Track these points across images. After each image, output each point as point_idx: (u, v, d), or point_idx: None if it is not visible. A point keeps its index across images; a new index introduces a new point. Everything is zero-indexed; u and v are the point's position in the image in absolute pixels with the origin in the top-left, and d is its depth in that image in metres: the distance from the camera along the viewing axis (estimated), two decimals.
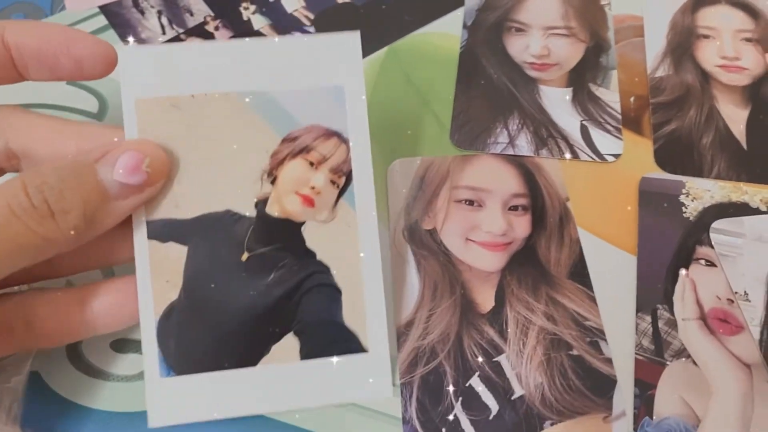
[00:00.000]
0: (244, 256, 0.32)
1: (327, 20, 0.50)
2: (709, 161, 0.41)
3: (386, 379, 0.32)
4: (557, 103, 0.43)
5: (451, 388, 0.34)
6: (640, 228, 0.38)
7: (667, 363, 0.34)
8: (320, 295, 0.32)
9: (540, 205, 0.39)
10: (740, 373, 0.33)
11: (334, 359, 0.32)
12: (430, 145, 0.42)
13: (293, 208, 0.32)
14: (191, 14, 0.52)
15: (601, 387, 0.34)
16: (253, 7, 0.51)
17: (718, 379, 0.33)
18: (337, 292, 0.32)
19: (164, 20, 0.52)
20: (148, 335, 0.31)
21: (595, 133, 0.42)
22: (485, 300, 0.37)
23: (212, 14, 0.51)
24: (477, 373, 0.34)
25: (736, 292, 0.35)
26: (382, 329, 0.32)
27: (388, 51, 0.47)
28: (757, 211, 0.38)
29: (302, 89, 0.33)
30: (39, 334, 0.31)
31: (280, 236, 0.32)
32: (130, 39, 0.50)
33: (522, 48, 0.46)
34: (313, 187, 0.32)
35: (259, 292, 0.31)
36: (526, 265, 0.37)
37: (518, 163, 0.41)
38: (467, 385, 0.34)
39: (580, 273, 0.37)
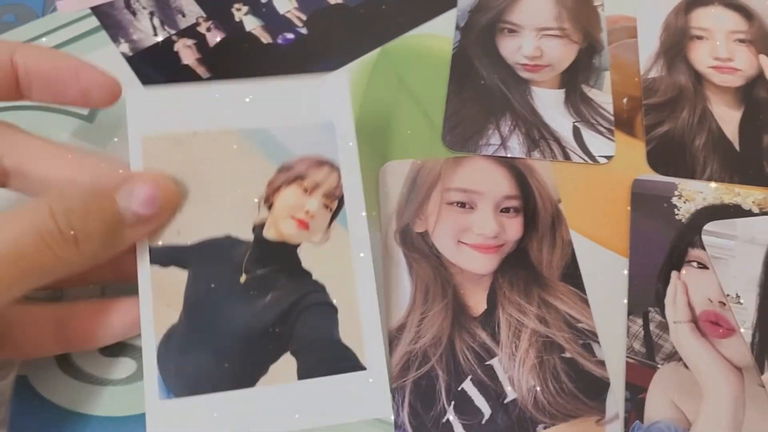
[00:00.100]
0: (243, 278, 0.33)
1: (319, 21, 0.50)
2: (702, 163, 0.41)
3: (386, 396, 0.32)
4: (549, 104, 0.43)
5: (443, 393, 0.34)
6: (632, 230, 0.38)
7: (659, 366, 0.34)
8: (317, 314, 0.33)
9: (532, 207, 0.39)
10: (732, 376, 0.33)
11: (333, 378, 0.32)
12: (422, 146, 0.42)
13: (289, 231, 0.34)
14: (183, 15, 0.52)
15: (594, 390, 0.34)
16: (245, 8, 0.51)
17: (709, 382, 0.33)
18: (333, 310, 0.33)
19: (156, 21, 0.51)
20: (149, 358, 0.31)
21: (588, 135, 0.42)
22: (477, 303, 0.36)
23: (204, 15, 0.51)
24: (469, 377, 0.34)
25: (728, 295, 0.35)
26: (380, 346, 0.32)
27: (381, 52, 0.47)
28: (749, 213, 0.38)
29: (296, 126, 0.35)
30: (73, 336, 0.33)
31: (277, 258, 0.33)
32: (122, 40, 0.50)
33: (514, 49, 0.46)
34: (307, 211, 0.34)
35: (257, 312, 0.32)
36: (517, 268, 0.37)
37: (510, 164, 0.41)
38: (459, 389, 0.34)
39: (572, 275, 0.37)
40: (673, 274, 0.36)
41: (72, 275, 0.29)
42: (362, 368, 0.32)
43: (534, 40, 0.46)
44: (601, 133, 0.42)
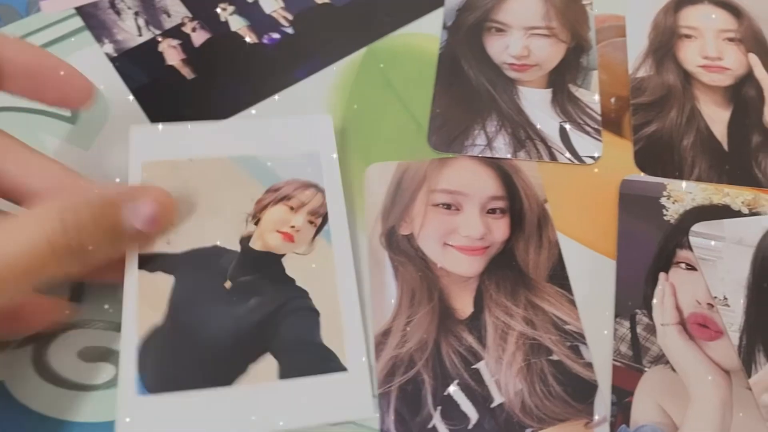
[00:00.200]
0: (228, 284, 0.35)
1: (306, 21, 0.49)
2: (690, 163, 0.40)
3: (367, 397, 0.33)
4: (536, 104, 0.43)
5: (429, 398, 0.33)
6: (619, 231, 0.38)
7: (645, 369, 0.33)
8: (299, 318, 0.34)
9: (518, 207, 0.39)
10: (719, 379, 0.33)
11: (313, 378, 0.33)
12: (408, 147, 0.42)
13: (275, 243, 0.36)
14: (168, 15, 0.51)
15: (582, 392, 0.33)
16: (231, 8, 0.51)
17: (696, 385, 0.33)
18: (316, 314, 0.34)
19: (141, 21, 0.51)
20: (128, 354, 0.32)
21: (574, 135, 0.41)
22: (464, 306, 0.36)
23: (190, 15, 0.51)
24: (456, 381, 0.34)
25: (715, 297, 0.35)
26: (361, 348, 0.34)
27: (367, 52, 0.47)
28: (738, 214, 0.38)
29: (284, 155, 0.39)
30: None
31: (262, 266, 0.36)
32: (106, 41, 0.49)
33: (502, 48, 0.46)
34: (292, 226, 0.37)
35: (240, 316, 0.34)
36: (504, 269, 0.37)
37: (496, 165, 0.40)
38: (446, 393, 0.34)
39: (559, 276, 0.37)
40: (661, 275, 0.36)
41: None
42: (343, 369, 0.33)
43: (522, 39, 0.46)
44: (588, 133, 0.42)
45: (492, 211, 0.39)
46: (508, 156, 0.41)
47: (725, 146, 0.41)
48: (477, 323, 0.35)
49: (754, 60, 0.44)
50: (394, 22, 0.49)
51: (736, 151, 0.41)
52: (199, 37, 0.49)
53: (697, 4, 0.48)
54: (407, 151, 0.42)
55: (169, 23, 0.50)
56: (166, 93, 0.46)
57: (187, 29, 0.50)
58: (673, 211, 0.38)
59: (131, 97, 0.46)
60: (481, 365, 0.34)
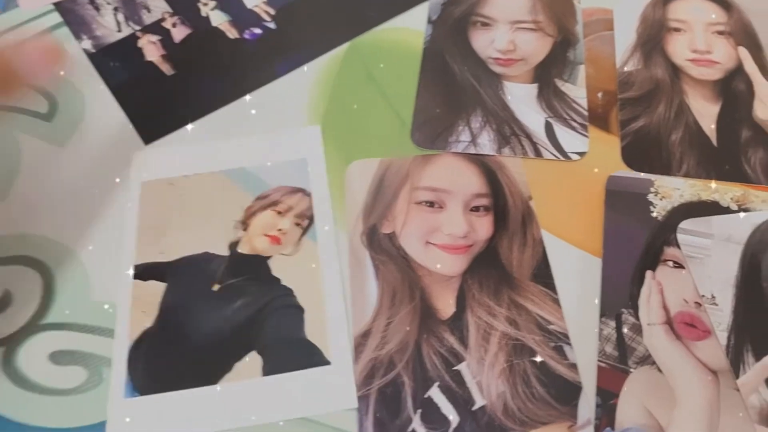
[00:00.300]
0: (216, 287, 0.36)
1: (288, 16, 0.48)
2: (678, 159, 0.39)
3: (350, 389, 0.33)
4: (522, 99, 0.42)
5: (409, 401, 0.33)
6: (605, 229, 0.37)
7: (631, 370, 0.33)
8: (284, 315, 0.35)
9: (502, 205, 0.38)
10: (706, 380, 0.32)
11: (297, 373, 0.33)
12: (390, 144, 0.41)
13: (262, 246, 0.38)
14: (148, 11, 0.50)
15: (566, 394, 0.33)
16: (212, 3, 0.50)
17: (683, 386, 0.32)
18: (300, 311, 0.35)
19: (120, 17, 0.50)
20: (119, 358, 0.34)
21: (560, 131, 0.41)
22: (446, 306, 0.35)
23: (170, 11, 0.50)
24: (437, 383, 0.33)
25: (703, 296, 0.34)
26: (345, 341, 0.34)
27: (350, 47, 0.46)
28: (727, 210, 0.37)
29: (273, 163, 0.41)
30: None
31: (249, 269, 0.37)
32: (84, 37, 0.48)
33: (487, 43, 0.45)
34: (280, 229, 0.38)
35: (227, 316, 0.35)
36: (487, 268, 0.36)
37: (480, 162, 0.39)
38: (426, 396, 0.33)
39: (543, 274, 0.36)
40: (648, 273, 0.35)
41: None
42: (327, 363, 0.34)
43: (507, 33, 0.45)
44: (574, 128, 0.41)
45: (476, 208, 0.38)
46: (493, 152, 0.40)
47: (714, 141, 0.40)
48: (459, 323, 0.35)
49: (744, 53, 0.43)
50: (377, 16, 0.48)
51: (725, 147, 0.40)
52: (179, 33, 0.48)
53: None
54: (390, 148, 0.41)
55: (149, 18, 0.49)
56: (146, 89, 0.45)
57: (167, 24, 0.49)
58: (660, 208, 0.37)
59: (109, 94, 0.45)
60: (462, 367, 0.33)
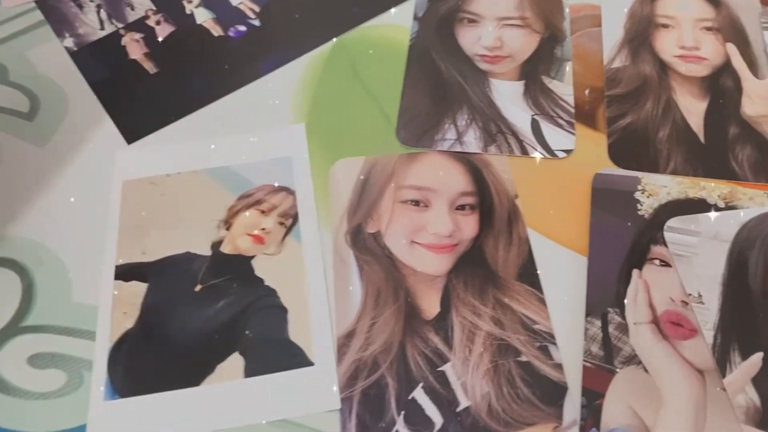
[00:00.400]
0: (198, 287, 0.36)
1: (273, 12, 0.48)
2: (666, 156, 0.39)
3: (333, 389, 0.33)
4: (508, 96, 0.41)
5: (393, 402, 0.32)
6: (592, 227, 0.37)
7: (617, 370, 0.32)
8: (267, 316, 0.35)
9: (488, 203, 0.37)
10: (693, 379, 0.31)
11: (280, 374, 0.33)
12: (375, 142, 0.40)
13: (245, 245, 0.37)
14: (132, 8, 0.49)
15: (551, 395, 0.32)
16: (196, 0, 0.49)
17: (669, 386, 0.31)
18: (284, 311, 0.35)
19: (103, 15, 0.49)
20: (100, 360, 0.33)
21: (546, 128, 0.40)
22: (430, 305, 0.35)
23: (154, 8, 0.49)
24: (421, 384, 0.33)
25: (689, 294, 0.34)
26: (328, 342, 0.34)
27: (336, 44, 0.45)
28: (715, 208, 0.37)
29: (257, 161, 0.40)
30: None
31: (231, 269, 0.36)
32: (66, 35, 0.48)
33: (474, 40, 0.44)
34: (263, 228, 0.37)
35: (209, 317, 0.35)
36: (473, 267, 0.36)
37: (466, 160, 0.39)
38: (410, 397, 0.32)
39: (529, 274, 0.36)
40: (635, 272, 0.35)
41: None
42: (310, 364, 0.33)
43: (494, 30, 0.44)
44: (560, 126, 0.40)
45: (461, 207, 0.37)
46: (479, 150, 0.39)
47: (701, 138, 0.40)
48: (444, 323, 0.34)
49: (732, 50, 0.43)
50: (363, 13, 0.47)
51: (713, 144, 0.39)
52: (163, 30, 0.48)
53: None
54: (375, 146, 0.40)
55: (132, 16, 0.49)
56: (128, 88, 0.45)
57: (150, 22, 0.48)
58: (647, 206, 0.37)
59: (92, 93, 0.44)
60: (446, 367, 0.33)
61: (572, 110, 0.41)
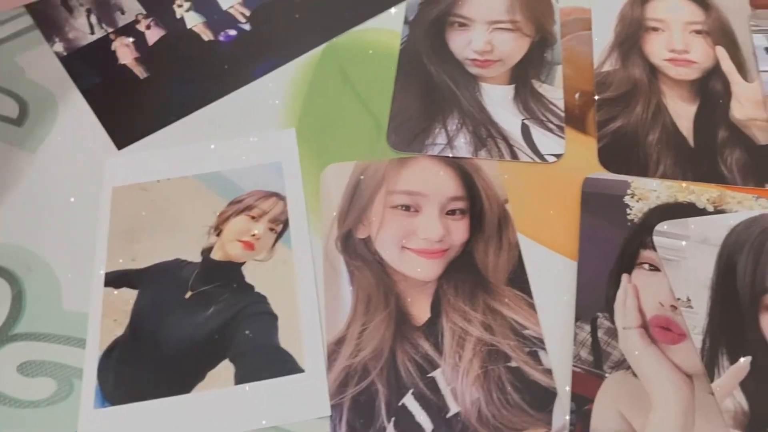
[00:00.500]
0: (188, 294, 0.36)
1: (263, 17, 0.48)
2: (655, 159, 0.39)
3: (323, 396, 0.33)
4: (498, 101, 0.41)
5: (383, 409, 0.32)
6: (581, 231, 0.37)
7: (606, 375, 0.32)
8: (257, 322, 0.35)
9: (478, 208, 0.38)
10: (681, 384, 0.32)
11: (270, 381, 0.33)
12: (366, 147, 0.40)
13: (235, 252, 0.37)
14: (122, 12, 0.49)
15: (541, 400, 0.32)
16: (187, 4, 0.49)
17: (658, 390, 0.31)
18: (274, 318, 0.35)
19: (93, 19, 0.49)
20: (90, 368, 0.33)
21: (536, 133, 0.40)
22: (420, 311, 0.35)
23: (144, 12, 0.49)
24: (411, 391, 0.33)
25: (678, 299, 0.34)
26: (319, 349, 0.34)
27: (326, 48, 0.45)
28: (704, 212, 0.37)
29: (247, 167, 0.40)
30: None
31: (222, 275, 0.36)
32: (56, 39, 0.48)
33: (464, 44, 0.44)
34: (253, 234, 0.37)
35: (199, 324, 0.35)
36: (463, 273, 0.36)
37: (456, 165, 0.39)
38: (400, 404, 0.32)
39: (519, 279, 0.36)
40: (624, 277, 0.35)
41: None
42: (300, 370, 0.33)
43: (485, 33, 0.44)
44: (550, 130, 0.40)
45: (452, 212, 0.37)
46: (469, 155, 0.39)
47: (691, 142, 0.40)
48: (434, 329, 0.34)
49: (722, 53, 0.43)
50: (354, 17, 0.47)
51: (702, 147, 0.40)
52: (153, 35, 0.48)
53: None
54: (366, 151, 0.40)
55: (123, 20, 0.49)
56: (118, 93, 0.45)
57: (141, 27, 0.48)
58: (637, 210, 0.37)
59: (82, 98, 0.44)
60: (437, 373, 0.33)
61: (562, 114, 0.41)
